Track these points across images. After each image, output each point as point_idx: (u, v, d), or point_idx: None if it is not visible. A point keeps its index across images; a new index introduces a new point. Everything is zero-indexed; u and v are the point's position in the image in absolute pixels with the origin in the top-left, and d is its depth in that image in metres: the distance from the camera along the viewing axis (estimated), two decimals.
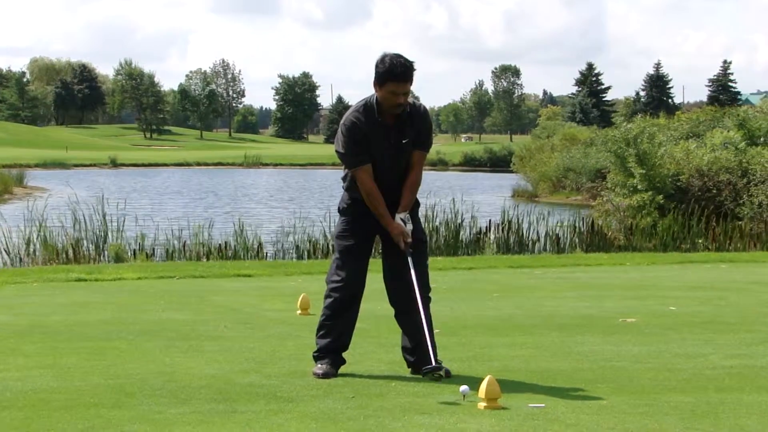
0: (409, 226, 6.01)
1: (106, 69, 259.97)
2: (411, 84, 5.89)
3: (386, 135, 5.93)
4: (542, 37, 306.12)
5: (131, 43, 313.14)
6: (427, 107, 6.23)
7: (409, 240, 5.98)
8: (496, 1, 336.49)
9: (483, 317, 8.59)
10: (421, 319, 5.89)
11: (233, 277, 12.53)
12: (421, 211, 6.47)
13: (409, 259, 5.97)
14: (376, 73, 5.88)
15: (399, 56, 5.87)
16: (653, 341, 7.33)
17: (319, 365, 6.01)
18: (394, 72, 5.81)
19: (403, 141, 5.96)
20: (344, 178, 6.15)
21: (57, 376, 5.92)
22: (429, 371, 5.79)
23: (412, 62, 5.88)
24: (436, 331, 6.08)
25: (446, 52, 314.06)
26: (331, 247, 17.96)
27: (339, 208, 6.21)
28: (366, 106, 5.95)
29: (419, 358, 6.00)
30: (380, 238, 6.18)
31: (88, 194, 19.88)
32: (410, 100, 5.99)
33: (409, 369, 6.09)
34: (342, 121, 6.00)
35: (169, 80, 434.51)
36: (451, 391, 5.42)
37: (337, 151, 6.05)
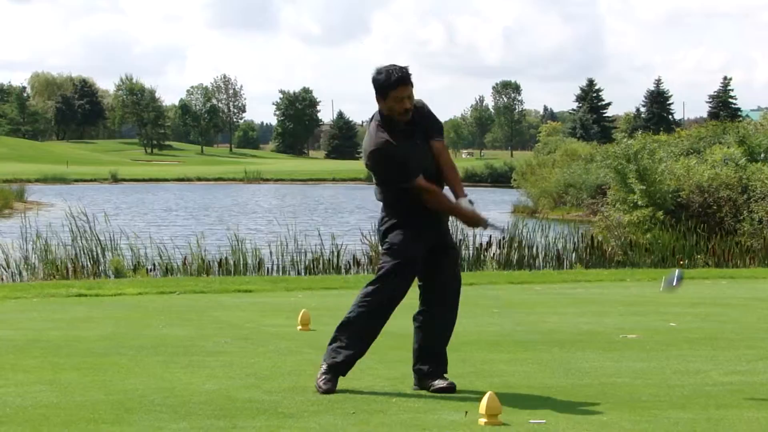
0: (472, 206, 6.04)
1: (104, 83, 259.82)
2: (413, 86, 5.93)
3: (409, 142, 5.94)
4: (542, 53, 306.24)
5: (129, 57, 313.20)
6: None
7: (484, 216, 6.08)
8: (495, 17, 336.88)
9: (483, 333, 8.58)
10: (452, 324, 6.00)
11: (234, 292, 12.51)
12: None
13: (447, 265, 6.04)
14: (377, 86, 5.87)
15: (393, 65, 5.94)
16: (654, 357, 7.32)
17: (324, 378, 5.94)
18: (395, 78, 5.84)
19: (417, 141, 5.97)
20: (384, 200, 6.06)
21: (57, 392, 5.91)
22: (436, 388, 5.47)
23: (406, 66, 5.93)
24: None
25: (445, 67, 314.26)
26: (330, 264, 18.02)
27: (382, 228, 6.05)
28: (380, 125, 5.93)
29: (435, 369, 5.98)
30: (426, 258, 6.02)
31: (88, 210, 19.83)
32: None
33: (415, 386, 6.02)
34: (370, 150, 5.86)
35: (167, 95, 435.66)
36: (452, 407, 5.41)
37: (384, 181, 5.96)
